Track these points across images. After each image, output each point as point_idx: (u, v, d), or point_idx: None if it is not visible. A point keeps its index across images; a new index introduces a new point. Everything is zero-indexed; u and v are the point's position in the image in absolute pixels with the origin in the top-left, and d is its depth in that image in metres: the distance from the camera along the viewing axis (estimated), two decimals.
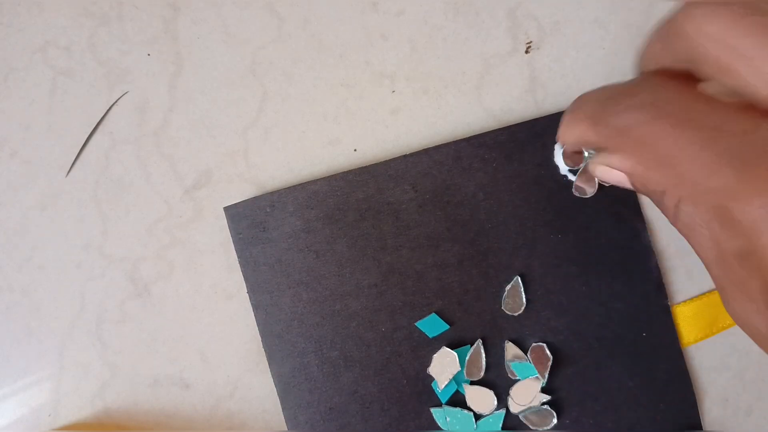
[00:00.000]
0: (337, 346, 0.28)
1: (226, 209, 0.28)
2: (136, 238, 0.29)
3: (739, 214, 0.17)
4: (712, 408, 0.29)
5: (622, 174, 0.21)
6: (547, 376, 0.27)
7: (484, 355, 0.27)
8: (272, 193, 0.28)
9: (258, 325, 0.28)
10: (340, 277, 0.28)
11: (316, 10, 0.29)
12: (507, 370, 0.28)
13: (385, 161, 0.28)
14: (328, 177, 0.28)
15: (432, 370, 0.27)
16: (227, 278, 0.29)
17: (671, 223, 0.19)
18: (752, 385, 0.29)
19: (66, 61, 0.29)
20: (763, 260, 0.16)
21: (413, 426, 0.28)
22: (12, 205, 0.29)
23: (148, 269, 0.29)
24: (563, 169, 0.27)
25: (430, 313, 0.28)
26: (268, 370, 0.28)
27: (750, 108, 0.17)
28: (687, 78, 0.19)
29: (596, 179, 0.27)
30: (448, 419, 0.27)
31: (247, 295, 0.28)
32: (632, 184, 0.20)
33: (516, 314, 0.28)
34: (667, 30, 0.19)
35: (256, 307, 0.28)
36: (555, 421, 0.27)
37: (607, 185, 0.27)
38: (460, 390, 0.28)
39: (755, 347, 0.26)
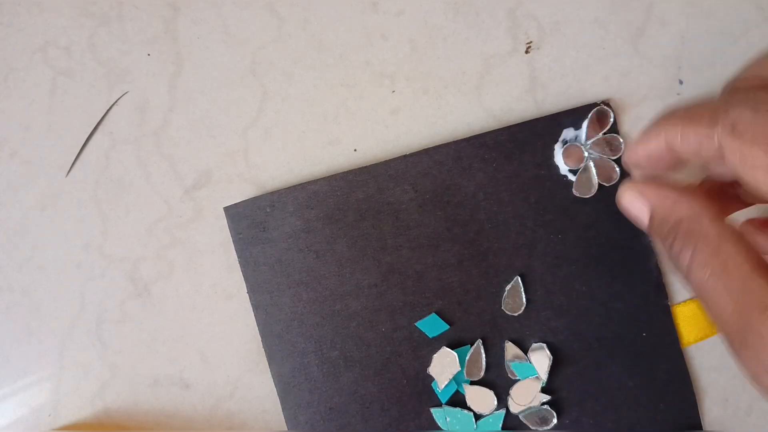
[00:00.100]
0: (337, 346, 0.28)
1: (226, 209, 0.28)
2: (136, 238, 0.29)
3: None
4: (712, 408, 0.29)
5: (646, 207, 0.22)
6: (547, 376, 0.27)
7: (484, 355, 0.27)
8: (272, 193, 0.28)
9: (258, 325, 0.28)
10: (340, 277, 0.28)
11: (316, 10, 0.29)
12: (507, 370, 0.28)
13: (385, 161, 0.28)
14: (328, 177, 0.28)
15: (432, 370, 0.27)
16: (227, 278, 0.29)
17: None
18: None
19: (66, 61, 0.29)
20: None
21: (413, 426, 0.28)
22: (12, 205, 0.29)
23: (148, 269, 0.29)
24: (563, 169, 0.27)
25: (430, 313, 0.28)
26: (268, 370, 0.28)
27: None
28: None
29: (596, 181, 0.27)
30: (448, 419, 0.27)
31: (247, 295, 0.28)
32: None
33: (516, 314, 0.28)
34: None
35: (256, 307, 0.28)
36: (555, 421, 0.27)
37: (607, 185, 0.27)
38: (460, 390, 0.28)
39: None
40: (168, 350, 0.29)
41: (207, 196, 0.29)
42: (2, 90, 0.29)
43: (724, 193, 0.24)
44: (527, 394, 0.27)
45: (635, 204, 0.23)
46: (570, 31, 0.28)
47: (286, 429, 0.28)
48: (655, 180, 0.23)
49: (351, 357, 0.28)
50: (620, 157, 0.27)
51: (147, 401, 0.29)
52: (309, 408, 0.28)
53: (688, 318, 0.28)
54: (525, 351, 0.27)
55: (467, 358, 0.27)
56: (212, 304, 0.29)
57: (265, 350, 0.28)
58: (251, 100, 0.29)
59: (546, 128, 0.27)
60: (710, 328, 0.28)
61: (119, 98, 0.29)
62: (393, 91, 0.28)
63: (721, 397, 0.29)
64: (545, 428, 0.27)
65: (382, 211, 0.28)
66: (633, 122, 0.28)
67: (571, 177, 0.27)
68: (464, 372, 0.27)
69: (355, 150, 0.29)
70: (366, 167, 0.28)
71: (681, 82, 0.28)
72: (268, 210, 0.28)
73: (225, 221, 0.28)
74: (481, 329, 0.28)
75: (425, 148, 0.28)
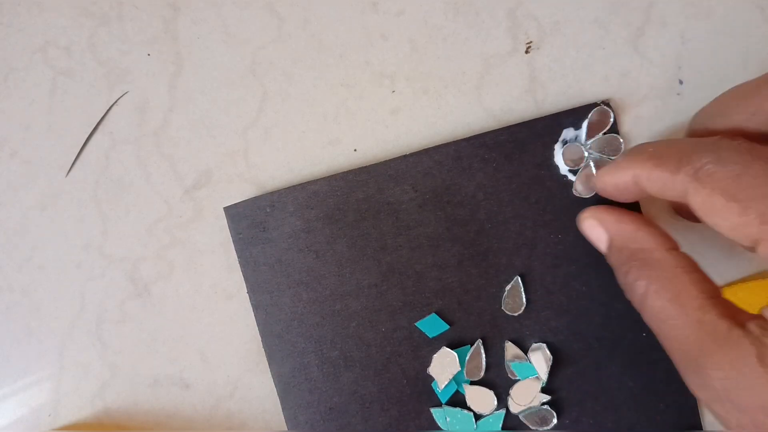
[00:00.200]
0: (337, 346, 0.28)
1: (226, 209, 0.28)
2: (136, 238, 0.29)
3: None
4: None
5: (605, 236, 0.24)
6: (547, 376, 0.27)
7: (484, 355, 0.27)
8: (272, 193, 0.28)
9: (258, 325, 0.28)
10: (340, 277, 0.28)
11: (316, 10, 0.29)
12: (507, 370, 0.28)
13: (385, 161, 0.28)
14: (328, 177, 0.28)
15: (432, 370, 0.27)
16: (227, 278, 0.29)
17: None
18: None
19: (66, 61, 0.29)
20: None
21: (413, 426, 0.28)
22: (12, 205, 0.29)
23: (148, 269, 0.29)
24: (563, 169, 0.27)
25: (430, 313, 0.28)
26: (268, 370, 0.28)
27: None
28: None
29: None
30: (448, 419, 0.27)
31: (247, 295, 0.28)
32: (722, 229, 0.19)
33: (516, 314, 0.28)
34: (756, 89, 0.20)
35: (256, 307, 0.28)
36: (555, 421, 0.27)
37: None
38: (460, 390, 0.28)
39: None
40: (168, 350, 0.29)
41: (207, 196, 0.29)
42: (2, 90, 0.29)
43: None
44: (527, 394, 0.27)
45: (594, 231, 0.24)
46: (570, 31, 0.28)
47: (286, 429, 0.28)
48: (615, 209, 0.24)
49: (351, 357, 0.28)
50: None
51: (147, 401, 0.29)
52: (309, 408, 0.28)
53: None
54: (525, 351, 0.27)
55: (467, 358, 0.27)
56: (212, 304, 0.29)
57: (265, 350, 0.28)
58: (251, 100, 0.29)
59: (546, 128, 0.27)
60: None
61: (119, 98, 0.29)
62: (393, 91, 0.28)
63: None
64: (545, 428, 0.27)
65: (382, 211, 0.28)
66: (633, 122, 0.28)
67: (571, 177, 0.27)
68: (464, 372, 0.27)
69: (355, 150, 0.29)
70: (366, 167, 0.28)
71: (681, 82, 0.28)
72: (268, 210, 0.28)
73: (225, 221, 0.28)
74: (481, 329, 0.28)
75: (425, 148, 0.28)
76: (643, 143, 0.23)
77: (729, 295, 0.28)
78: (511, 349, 0.28)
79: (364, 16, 0.28)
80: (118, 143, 0.29)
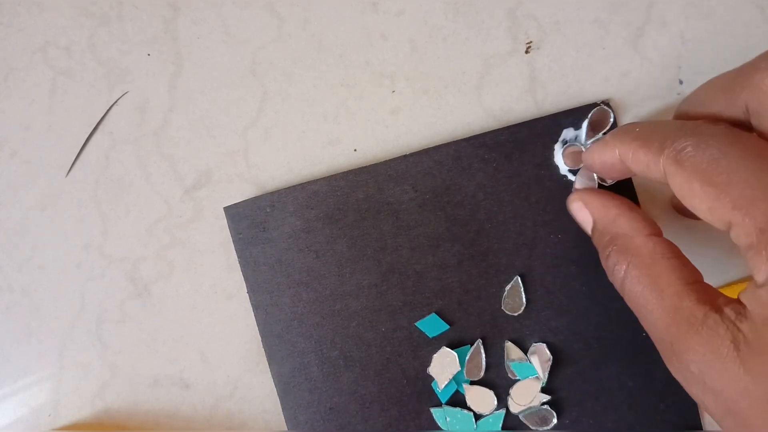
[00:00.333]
0: (337, 346, 0.28)
1: (226, 209, 0.28)
2: (136, 238, 0.29)
3: None
4: None
5: (590, 218, 0.24)
6: (547, 376, 0.27)
7: (484, 355, 0.27)
8: (272, 193, 0.28)
9: (258, 325, 0.28)
10: (340, 277, 0.28)
11: (316, 10, 0.29)
12: (507, 370, 0.28)
13: (385, 161, 0.28)
14: (328, 177, 0.28)
15: (432, 370, 0.27)
16: (227, 278, 0.29)
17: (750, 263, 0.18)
18: None
19: (66, 61, 0.29)
20: None
21: (413, 426, 0.28)
22: (12, 205, 0.29)
23: (148, 269, 0.29)
24: (563, 169, 0.27)
25: (430, 313, 0.28)
26: (268, 370, 0.28)
27: None
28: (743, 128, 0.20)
29: (596, 179, 0.27)
30: (448, 419, 0.27)
31: (247, 295, 0.28)
32: (696, 211, 0.20)
33: (516, 314, 0.28)
34: (732, 81, 0.20)
35: (256, 307, 0.28)
36: (555, 421, 0.27)
37: (607, 184, 0.27)
38: (460, 390, 0.28)
39: None
40: (168, 350, 0.29)
41: (207, 196, 0.29)
42: (2, 90, 0.29)
43: None
44: (527, 394, 0.27)
45: (580, 213, 0.25)
46: (570, 31, 0.28)
47: (286, 429, 0.28)
48: (602, 192, 0.25)
49: (351, 357, 0.28)
50: None
51: (147, 401, 0.29)
52: (309, 408, 0.28)
53: None
54: (525, 351, 0.27)
55: (467, 358, 0.27)
56: (212, 304, 0.29)
57: (265, 350, 0.28)
58: (251, 100, 0.29)
59: (546, 128, 0.27)
60: None
61: (119, 98, 0.29)
62: (393, 91, 0.28)
63: None
64: (545, 428, 0.27)
65: (382, 211, 0.28)
66: (633, 121, 0.28)
67: (571, 177, 0.27)
68: (464, 372, 0.27)
69: (355, 150, 0.29)
70: (366, 167, 0.28)
71: (681, 82, 0.28)
72: (268, 210, 0.28)
73: (225, 221, 0.28)
74: (481, 329, 0.28)
75: (425, 148, 0.28)
76: (631, 123, 0.24)
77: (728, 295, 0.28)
78: (511, 349, 0.28)
79: (364, 16, 0.28)
80: (118, 143, 0.29)
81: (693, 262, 0.21)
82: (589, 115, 0.27)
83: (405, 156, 0.28)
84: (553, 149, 0.27)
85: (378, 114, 0.28)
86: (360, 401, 0.28)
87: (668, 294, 0.20)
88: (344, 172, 0.28)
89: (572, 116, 0.27)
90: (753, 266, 0.18)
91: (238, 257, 0.28)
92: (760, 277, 0.18)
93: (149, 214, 0.29)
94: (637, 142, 0.21)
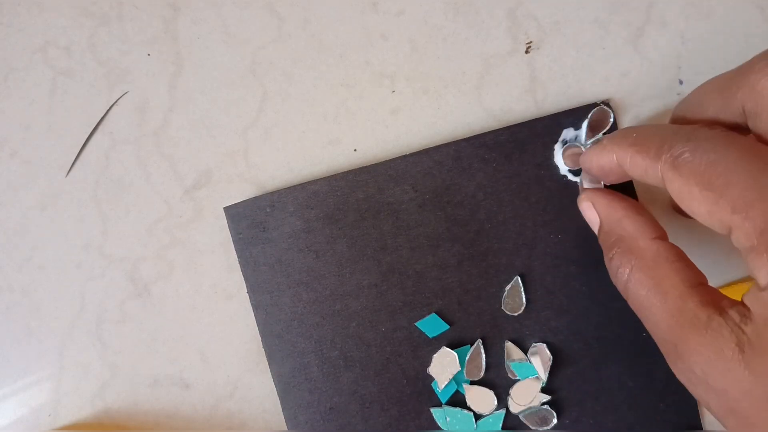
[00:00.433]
0: (337, 346, 0.28)
1: (226, 209, 0.28)
2: (136, 238, 0.29)
3: None
4: None
5: (596, 218, 0.24)
6: (547, 376, 0.27)
7: (484, 355, 0.27)
8: (272, 193, 0.28)
9: (258, 325, 0.28)
10: (340, 277, 0.28)
11: (316, 10, 0.29)
12: (507, 370, 0.28)
13: (385, 161, 0.28)
14: (328, 177, 0.28)
15: (432, 370, 0.27)
16: (227, 278, 0.29)
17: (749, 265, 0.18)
18: None
19: (66, 61, 0.29)
20: None
21: (413, 426, 0.28)
22: (12, 205, 0.29)
23: (148, 269, 0.29)
24: (563, 169, 0.27)
25: (430, 313, 0.28)
26: (268, 370, 0.28)
27: None
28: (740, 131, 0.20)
29: (601, 182, 0.27)
30: (448, 419, 0.27)
31: (247, 295, 0.28)
32: (699, 218, 0.20)
33: (516, 314, 0.28)
34: (729, 82, 0.20)
35: (256, 307, 0.28)
36: (555, 421, 0.27)
37: (607, 185, 0.27)
38: (460, 390, 0.28)
39: None
40: (168, 350, 0.29)
41: (207, 196, 0.29)
42: (2, 90, 0.29)
43: None
44: (527, 394, 0.27)
45: (588, 213, 0.25)
46: (570, 31, 0.28)
47: (286, 429, 0.28)
48: (609, 192, 0.25)
49: (351, 357, 0.28)
50: None
51: (147, 401, 0.29)
52: (309, 408, 0.28)
53: None
54: (525, 351, 0.27)
55: (467, 358, 0.27)
56: (212, 304, 0.29)
57: (265, 350, 0.28)
58: (251, 100, 0.29)
59: (546, 128, 0.27)
60: None
61: (119, 98, 0.29)
62: (393, 91, 0.28)
63: None
64: (545, 428, 0.27)
65: (382, 211, 0.28)
66: (633, 122, 0.28)
67: (571, 177, 0.27)
68: (464, 372, 0.27)
69: (355, 150, 0.29)
70: (366, 167, 0.28)
71: (681, 82, 0.28)
72: (268, 210, 0.28)
73: (225, 221, 0.28)
74: (481, 329, 0.28)
75: (425, 148, 0.28)
76: (628, 127, 0.24)
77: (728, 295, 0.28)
78: (511, 349, 0.28)
79: (364, 16, 0.28)
80: (118, 143, 0.29)
81: (693, 262, 0.21)
82: (589, 115, 0.27)
83: (405, 156, 0.28)
84: (553, 149, 0.27)
85: (378, 114, 0.28)
86: (360, 401, 0.28)
87: (672, 296, 0.20)
88: (344, 172, 0.28)
89: (572, 116, 0.27)
90: (755, 269, 0.18)
91: (238, 257, 0.28)
92: (762, 280, 0.18)
93: (149, 214, 0.29)
94: (635, 147, 0.21)
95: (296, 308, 0.28)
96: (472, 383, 0.28)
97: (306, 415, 0.28)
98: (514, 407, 0.27)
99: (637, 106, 0.28)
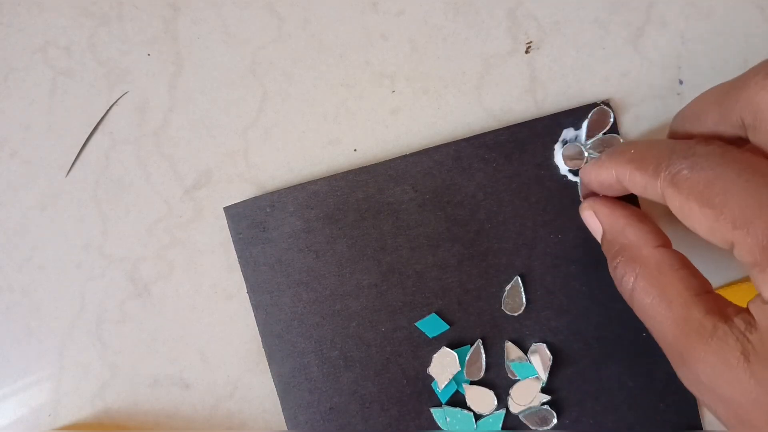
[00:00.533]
0: (337, 346, 0.28)
1: (226, 209, 0.28)
2: (136, 238, 0.29)
3: None
4: None
5: (599, 227, 0.24)
6: (546, 376, 0.27)
7: (484, 355, 0.27)
8: (272, 193, 0.28)
9: (258, 325, 0.28)
10: (340, 277, 0.28)
11: (316, 10, 0.29)
12: (507, 370, 0.28)
13: (385, 161, 0.28)
14: (328, 177, 0.28)
15: (432, 370, 0.27)
16: (227, 278, 0.29)
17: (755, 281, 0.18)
18: None
19: (66, 61, 0.29)
20: None
21: (413, 426, 0.28)
22: (12, 205, 0.29)
23: (148, 269, 0.29)
24: (563, 169, 0.27)
25: (430, 313, 0.28)
26: (268, 370, 0.28)
27: None
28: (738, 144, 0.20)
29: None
30: (448, 419, 0.27)
31: (247, 295, 0.28)
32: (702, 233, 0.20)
33: (516, 314, 0.28)
34: (726, 95, 0.20)
35: (256, 307, 0.28)
36: (555, 421, 0.27)
37: None
38: (460, 390, 0.28)
39: None
40: (168, 350, 0.29)
41: (207, 196, 0.29)
42: (2, 90, 0.29)
43: None
44: (527, 394, 0.27)
45: (591, 221, 0.25)
46: (570, 31, 0.28)
47: (286, 429, 0.28)
48: (611, 201, 0.24)
49: (351, 357, 0.28)
50: None
51: (147, 401, 0.29)
52: (309, 408, 0.28)
53: None
54: (525, 351, 0.27)
55: (467, 358, 0.27)
56: (212, 304, 0.29)
57: (265, 350, 0.28)
58: (251, 100, 0.29)
59: (546, 128, 0.27)
60: None
61: (119, 98, 0.29)
62: (393, 91, 0.28)
63: None
64: (545, 428, 0.27)
65: (382, 211, 0.28)
66: (633, 122, 0.28)
67: (571, 177, 0.27)
68: (464, 372, 0.27)
69: (355, 150, 0.29)
70: (366, 167, 0.28)
71: (681, 82, 0.28)
72: (268, 210, 0.28)
73: (225, 221, 0.28)
74: (481, 329, 0.28)
75: (425, 148, 0.28)
76: (626, 143, 0.24)
77: (727, 296, 0.28)
78: (511, 349, 0.28)
79: (364, 16, 0.28)
80: (118, 143, 0.29)
81: (693, 263, 0.21)
82: (589, 115, 0.27)
83: (405, 156, 0.28)
84: (553, 149, 0.27)
85: (378, 114, 0.28)
86: (360, 401, 0.28)
87: (677, 305, 0.20)
88: (344, 172, 0.28)
89: (572, 116, 0.27)
90: (759, 283, 0.18)
91: (238, 257, 0.28)
92: (767, 294, 0.18)
93: (149, 214, 0.29)
94: (633, 164, 0.21)
95: (296, 308, 0.28)
96: (472, 383, 0.28)
97: (306, 415, 0.28)
98: (514, 407, 0.27)
99: (637, 106, 0.28)
